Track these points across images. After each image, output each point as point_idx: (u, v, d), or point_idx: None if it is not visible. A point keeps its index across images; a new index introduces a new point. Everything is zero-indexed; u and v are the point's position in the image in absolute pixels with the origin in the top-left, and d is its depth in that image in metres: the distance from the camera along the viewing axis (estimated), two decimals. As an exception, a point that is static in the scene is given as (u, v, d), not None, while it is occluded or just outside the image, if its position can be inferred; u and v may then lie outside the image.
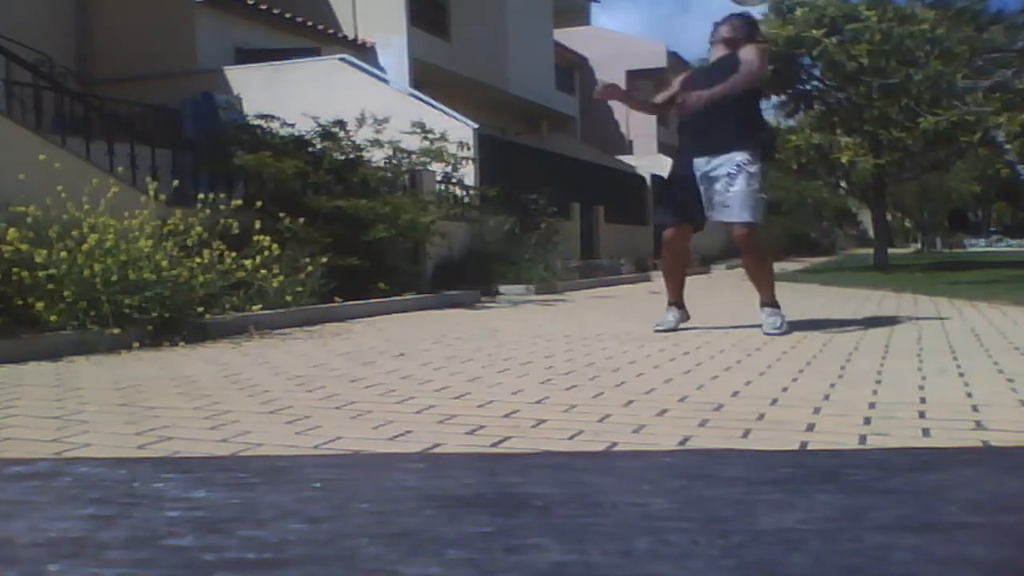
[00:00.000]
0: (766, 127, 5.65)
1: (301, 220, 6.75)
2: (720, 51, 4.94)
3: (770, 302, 4.89)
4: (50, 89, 7.89)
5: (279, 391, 3.03)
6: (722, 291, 8.83)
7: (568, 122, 23.46)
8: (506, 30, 18.89)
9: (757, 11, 13.06)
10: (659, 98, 5.38)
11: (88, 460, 2.05)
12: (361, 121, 8.50)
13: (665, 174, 5.90)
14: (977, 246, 37.88)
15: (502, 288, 9.23)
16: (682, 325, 5.08)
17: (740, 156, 4.67)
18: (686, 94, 4.79)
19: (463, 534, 1.43)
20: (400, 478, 1.87)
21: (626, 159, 21.48)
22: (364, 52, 13.58)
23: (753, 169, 4.71)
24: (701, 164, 4.78)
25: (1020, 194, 32.89)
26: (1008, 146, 12.05)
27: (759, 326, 4.81)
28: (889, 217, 23.16)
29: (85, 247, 4.46)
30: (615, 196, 16.58)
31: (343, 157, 8.19)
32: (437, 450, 2.11)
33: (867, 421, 2.38)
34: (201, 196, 5.41)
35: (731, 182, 4.67)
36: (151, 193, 5.20)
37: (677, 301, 5.10)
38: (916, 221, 37.61)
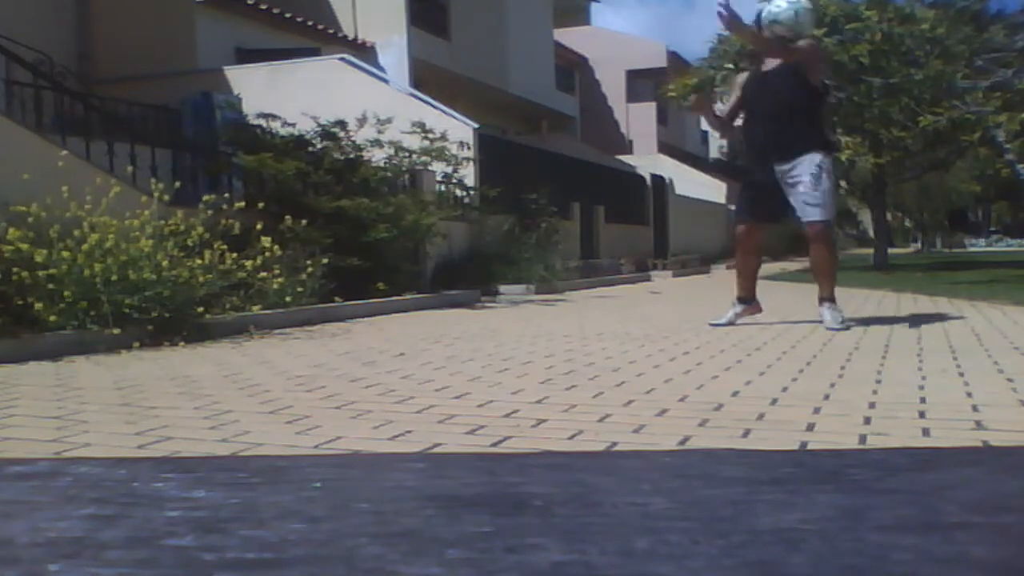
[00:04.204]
0: (830, 128, 5.87)
1: (303, 222, 6.75)
2: (774, 60, 5.06)
3: (830, 297, 5.00)
4: (50, 89, 7.89)
5: (279, 391, 3.03)
6: (722, 291, 8.81)
7: (568, 122, 23.48)
8: (506, 30, 18.90)
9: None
10: (722, 110, 5.60)
11: (88, 460, 2.05)
12: (362, 121, 8.51)
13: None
14: (977, 246, 37.84)
15: (502, 288, 9.23)
16: (752, 319, 5.20)
17: (818, 157, 4.88)
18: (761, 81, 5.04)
19: (463, 534, 1.43)
20: (400, 478, 1.87)
21: (626, 159, 21.48)
22: (364, 52, 13.58)
23: (830, 168, 4.95)
24: (783, 169, 4.93)
25: (1020, 194, 32.87)
26: (1008, 146, 12.01)
27: (758, 326, 4.81)
28: (889, 217, 23.13)
29: (85, 247, 4.46)
30: (615, 196, 16.58)
31: (343, 157, 8.19)
32: (437, 450, 2.11)
33: (867, 421, 2.38)
34: (206, 197, 5.42)
35: (817, 183, 4.87)
36: (155, 193, 5.20)
37: (743, 296, 5.21)
38: (916, 221, 37.60)
